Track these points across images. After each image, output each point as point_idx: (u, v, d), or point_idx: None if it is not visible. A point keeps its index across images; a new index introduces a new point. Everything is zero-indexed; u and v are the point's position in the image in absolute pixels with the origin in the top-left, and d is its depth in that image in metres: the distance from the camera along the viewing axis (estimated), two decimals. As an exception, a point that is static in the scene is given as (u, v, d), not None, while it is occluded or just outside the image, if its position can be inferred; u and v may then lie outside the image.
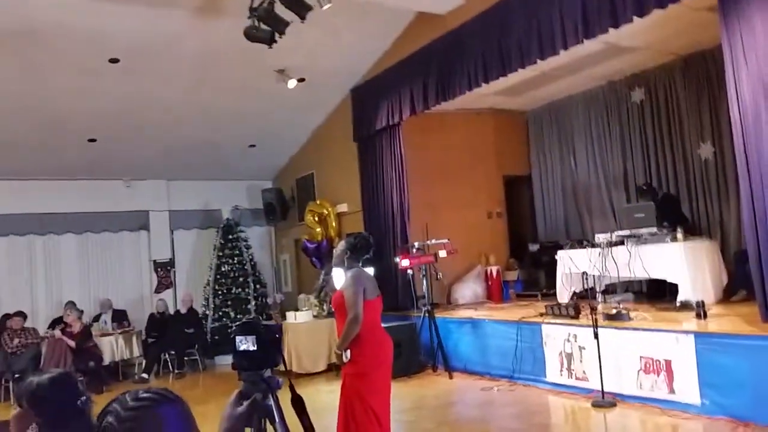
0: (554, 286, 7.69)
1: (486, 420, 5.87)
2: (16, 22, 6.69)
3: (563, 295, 7.38)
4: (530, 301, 8.63)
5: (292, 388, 2.06)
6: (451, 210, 9.21)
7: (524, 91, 9.04)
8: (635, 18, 5.42)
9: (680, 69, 8.04)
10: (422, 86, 7.96)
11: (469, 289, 9.23)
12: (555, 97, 9.59)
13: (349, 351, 3.87)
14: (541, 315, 6.79)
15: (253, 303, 10.78)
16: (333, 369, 7.92)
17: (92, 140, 9.53)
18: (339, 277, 4.20)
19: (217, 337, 10.41)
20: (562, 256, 7.51)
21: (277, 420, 1.89)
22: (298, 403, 2.02)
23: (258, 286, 11.06)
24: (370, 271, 4.49)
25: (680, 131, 8.14)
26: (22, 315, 9.01)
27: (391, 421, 5.61)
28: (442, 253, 7.95)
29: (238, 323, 2.06)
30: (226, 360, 10.31)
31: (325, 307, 8.79)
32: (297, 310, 9.22)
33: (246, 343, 1.99)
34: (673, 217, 7.03)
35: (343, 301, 3.91)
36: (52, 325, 9.29)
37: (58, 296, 10.20)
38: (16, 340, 8.70)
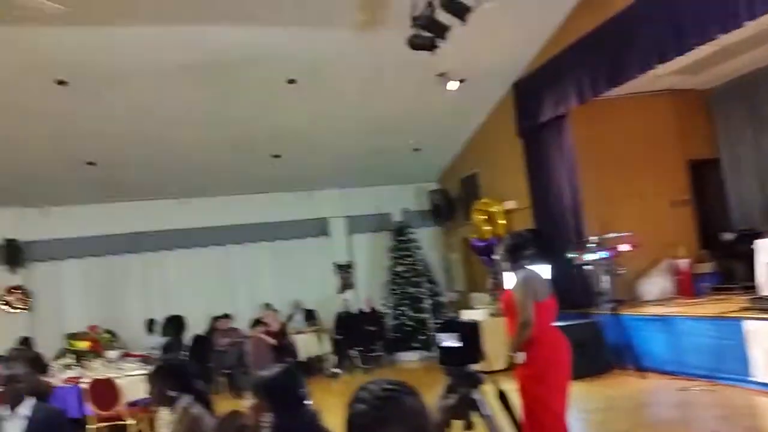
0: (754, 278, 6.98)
1: (687, 422, 5.51)
2: (206, 55, 7.58)
3: (766, 288, 6.66)
4: (727, 295, 7.88)
5: (497, 384, 2.15)
6: (630, 201, 8.74)
7: (704, 69, 8.31)
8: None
9: None
10: (589, 73, 7.68)
11: (655, 284, 8.65)
12: (741, 72, 8.68)
13: (523, 353, 3.81)
14: (744, 309, 6.20)
15: (428, 302, 11.07)
16: (512, 367, 7.90)
17: (276, 156, 10.46)
18: (509, 278, 4.19)
19: (397, 335, 10.88)
20: (761, 245, 6.79)
21: (485, 413, 1.99)
22: (503, 398, 2.10)
23: (431, 285, 11.35)
24: (543, 269, 4.39)
25: None
26: (228, 317, 10.14)
27: (580, 421, 5.53)
28: (624, 247, 7.56)
29: (439, 321, 2.20)
30: (408, 356, 10.76)
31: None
32: (470, 308, 9.32)
33: (449, 341, 2.12)
34: None
35: (512, 302, 3.90)
36: (253, 325, 10.34)
37: (256, 298, 11.29)
38: (224, 339, 9.81)
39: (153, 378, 3.20)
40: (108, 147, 9.15)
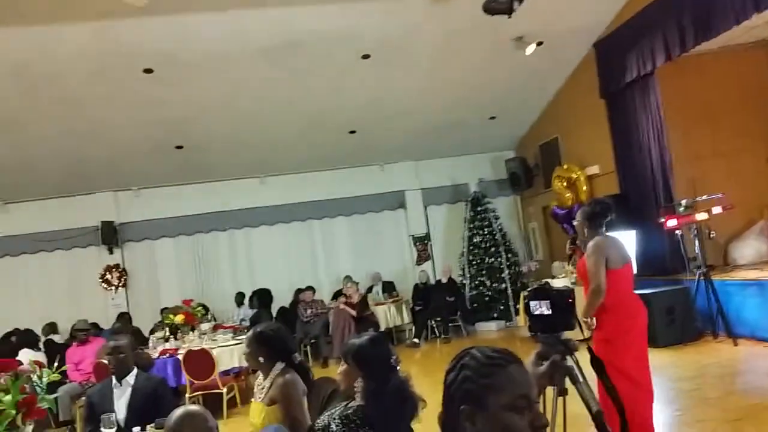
0: None
1: (784, 391, 5.24)
2: (283, 36, 7.69)
3: None
4: (832, 257, 7.39)
5: (590, 350, 2.13)
6: (721, 161, 8.28)
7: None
8: None
9: None
10: (677, 28, 7.27)
11: (749, 247, 8.22)
12: None
13: (594, 318, 3.81)
14: None
15: (507, 272, 10.98)
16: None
17: (352, 132, 10.57)
18: (587, 245, 4.13)
19: (475, 305, 10.88)
20: None
21: (579, 380, 1.96)
22: (597, 364, 2.07)
23: (509, 255, 11.23)
24: (625, 236, 4.25)
25: None
26: (311, 289, 10.46)
27: (670, 389, 5.37)
28: (716, 210, 7.18)
29: (530, 288, 2.18)
30: (487, 326, 10.75)
31: (579, 274, 8.60)
32: (552, 277, 9.16)
33: (540, 308, 2.11)
34: None
35: (585, 269, 3.87)
36: (335, 296, 10.63)
37: (336, 271, 11.60)
38: (309, 311, 10.14)
39: (249, 345, 3.32)
40: (194, 131, 9.53)
